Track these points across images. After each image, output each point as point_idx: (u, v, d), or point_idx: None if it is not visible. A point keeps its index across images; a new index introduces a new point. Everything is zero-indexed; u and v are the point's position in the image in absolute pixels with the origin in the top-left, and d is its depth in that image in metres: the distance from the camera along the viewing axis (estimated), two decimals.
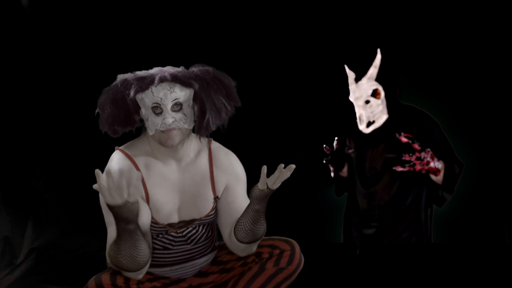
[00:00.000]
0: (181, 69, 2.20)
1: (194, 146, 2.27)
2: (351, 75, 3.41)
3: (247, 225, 2.18)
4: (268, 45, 4.19)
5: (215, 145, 2.34)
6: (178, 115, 2.14)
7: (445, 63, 4.08)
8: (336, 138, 3.48)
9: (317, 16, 4.20)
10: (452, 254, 3.71)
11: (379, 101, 3.32)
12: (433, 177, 3.29)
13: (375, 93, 3.32)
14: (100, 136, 2.31)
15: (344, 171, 3.57)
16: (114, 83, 2.18)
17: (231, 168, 2.32)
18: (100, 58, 4.04)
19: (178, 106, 2.15)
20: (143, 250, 2.06)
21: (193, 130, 2.24)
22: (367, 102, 3.32)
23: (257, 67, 4.16)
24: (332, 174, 3.63)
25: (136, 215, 1.97)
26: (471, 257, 3.66)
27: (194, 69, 2.20)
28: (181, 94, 2.15)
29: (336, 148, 3.47)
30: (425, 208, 3.52)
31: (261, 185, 2.11)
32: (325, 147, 3.45)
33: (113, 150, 2.26)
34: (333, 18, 4.18)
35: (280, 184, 2.09)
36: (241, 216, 2.21)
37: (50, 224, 3.98)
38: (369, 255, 3.55)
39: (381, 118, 3.34)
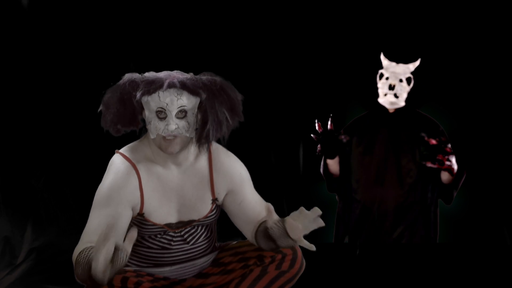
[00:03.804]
0: (189, 76, 2.18)
1: (193, 149, 2.26)
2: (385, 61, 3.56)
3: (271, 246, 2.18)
4: (264, 44, 4.19)
5: (215, 146, 2.33)
6: (182, 123, 2.14)
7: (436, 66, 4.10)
8: (330, 116, 3.45)
9: (311, 16, 4.20)
10: (451, 254, 3.71)
11: (407, 88, 3.50)
12: (448, 176, 3.34)
13: (409, 80, 3.50)
14: (100, 136, 2.30)
15: (335, 168, 3.56)
16: (121, 82, 2.16)
17: (233, 169, 2.31)
18: (100, 58, 4.03)
19: (182, 114, 2.14)
20: None
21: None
22: (400, 80, 3.49)
23: (253, 66, 4.16)
24: (321, 170, 3.61)
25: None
26: (471, 257, 3.66)
27: (203, 77, 2.18)
28: (188, 102, 2.14)
29: (330, 129, 3.43)
30: (431, 207, 3.55)
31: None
32: (318, 123, 3.43)
33: (113, 150, 2.25)
34: (330, 18, 4.18)
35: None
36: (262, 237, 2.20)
37: (50, 224, 3.98)
38: (370, 256, 3.55)
39: (401, 103, 3.48)
